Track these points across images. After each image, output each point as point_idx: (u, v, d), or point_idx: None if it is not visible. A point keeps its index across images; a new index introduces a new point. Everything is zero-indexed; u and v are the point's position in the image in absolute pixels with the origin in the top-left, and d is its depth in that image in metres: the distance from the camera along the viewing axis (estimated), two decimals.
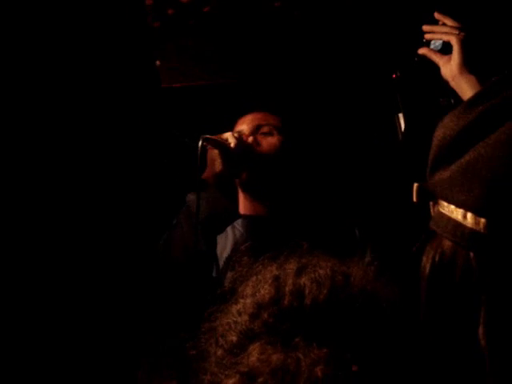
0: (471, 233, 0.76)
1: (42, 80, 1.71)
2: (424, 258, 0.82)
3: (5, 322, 1.72)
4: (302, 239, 1.10)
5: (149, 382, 1.22)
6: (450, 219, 0.79)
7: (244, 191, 1.91)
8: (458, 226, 0.77)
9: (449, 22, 1.64)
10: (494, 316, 0.74)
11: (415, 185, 0.85)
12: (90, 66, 1.77)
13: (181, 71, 2.23)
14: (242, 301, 0.87)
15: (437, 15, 1.67)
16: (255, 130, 1.90)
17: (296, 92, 2.26)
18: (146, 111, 1.59)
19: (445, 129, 0.82)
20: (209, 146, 1.79)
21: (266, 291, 0.85)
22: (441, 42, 1.72)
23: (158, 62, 1.82)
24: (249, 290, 0.88)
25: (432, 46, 1.75)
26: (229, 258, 1.73)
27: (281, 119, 1.94)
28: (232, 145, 1.78)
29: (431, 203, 0.85)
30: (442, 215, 0.80)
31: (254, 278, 0.89)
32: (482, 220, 0.75)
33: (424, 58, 1.79)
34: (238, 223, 1.85)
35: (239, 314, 0.86)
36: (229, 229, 1.82)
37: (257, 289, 0.87)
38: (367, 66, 2.09)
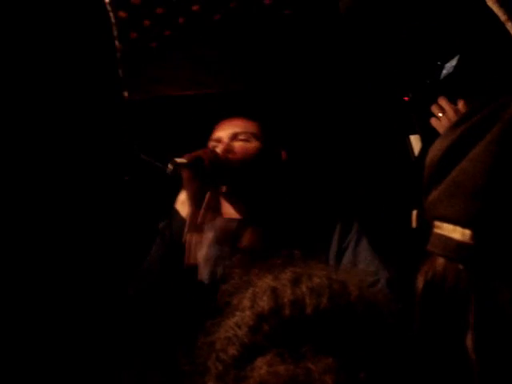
0: (459, 244, 0.78)
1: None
2: (419, 277, 0.84)
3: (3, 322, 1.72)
4: (283, 243, 1.09)
5: None
6: (441, 236, 0.81)
7: (223, 197, 1.91)
8: (447, 240, 0.80)
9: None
10: (481, 322, 0.75)
11: (414, 212, 0.90)
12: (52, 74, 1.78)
13: (191, 79, 2.25)
14: (238, 313, 0.86)
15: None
16: (231, 139, 1.87)
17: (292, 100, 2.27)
18: (107, 128, 1.59)
19: (432, 152, 0.85)
20: (182, 169, 1.75)
21: (264, 303, 0.84)
22: (453, 65, 1.73)
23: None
24: (246, 303, 0.87)
25: (445, 71, 1.76)
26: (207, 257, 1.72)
27: (260, 126, 1.92)
28: (206, 162, 1.75)
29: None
30: (435, 234, 0.83)
31: (250, 291, 0.88)
32: (467, 231, 0.77)
33: (436, 79, 1.79)
34: (215, 225, 1.84)
35: (238, 326, 0.85)
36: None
37: (255, 301, 0.86)
38: (378, 86, 2.09)
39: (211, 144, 1.92)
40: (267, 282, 0.87)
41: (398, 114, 2.01)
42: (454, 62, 1.79)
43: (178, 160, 1.71)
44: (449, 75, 1.77)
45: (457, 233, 0.78)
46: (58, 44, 1.58)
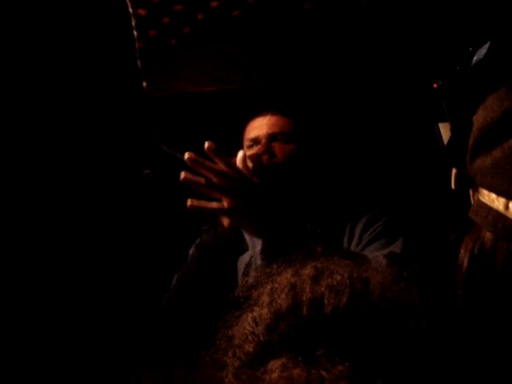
0: (505, 222, 0.70)
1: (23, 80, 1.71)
2: (462, 251, 0.77)
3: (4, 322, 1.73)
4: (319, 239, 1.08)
5: None
6: (490, 209, 0.73)
7: None
8: (499, 216, 0.72)
9: None
10: None
11: (454, 171, 0.81)
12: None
13: (211, 76, 2.25)
14: (257, 309, 0.85)
15: None
16: (270, 140, 1.84)
17: (318, 96, 2.25)
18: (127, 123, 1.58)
19: (487, 111, 0.77)
20: None
21: (282, 300, 0.82)
22: (484, 52, 1.69)
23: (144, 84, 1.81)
24: (265, 299, 0.85)
25: (476, 58, 1.72)
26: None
27: (294, 122, 1.88)
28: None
29: (471, 191, 0.80)
30: (482, 204, 0.75)
31: (269, 286, 0.86)
32: None
33: (466, 66, 1.75)
34: None
35: (256, 323, 0.83)
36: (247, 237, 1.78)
37: (273, 297, 0.84)
38: (407, 74, 2.05)
39: (246, 144, 1.89)
40: (287, 277, 0.85)
41: (428, 101, 1.98)
42: (485, 49, 1.74)
43: None
44: (479, 62, 1.73)
45: (500, 204, 0.70)
46: (78, 42, 1.57)
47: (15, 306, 1.76)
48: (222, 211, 1.43)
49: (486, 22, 1.74)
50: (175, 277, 1.81)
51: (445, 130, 1.93)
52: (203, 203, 1.41)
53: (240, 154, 1.49)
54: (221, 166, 1.42)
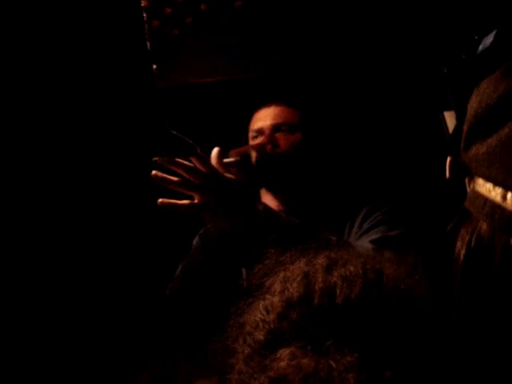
0: (503, 212, 0.68)
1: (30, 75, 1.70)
2: (459, 243, 0.76)
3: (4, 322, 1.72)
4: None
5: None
6: (487, 199, 0.71)
7: (268, 191, 1.91)
8: (496, 207, 0.69)
9: None
10: None
11: (448, 159, 0.80)
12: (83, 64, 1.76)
13: (213, 66, 2.25)
14: (269, 297, 0.85)
15: None
16: (273, 131, 1.86)
17: (321, 86, 2.25)
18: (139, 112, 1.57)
19: (481, 96, 0.74)
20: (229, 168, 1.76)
21: (294, 289, 0.82)
22: (490, 40, 1.68)
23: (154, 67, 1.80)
24: (277, 287, 0.85)
25: (482, 46, 1.71)
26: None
27: (299, 113, 1.90)
28: (252, 159, 1.77)
29: (467, 179, 0.79)
30: (478, 194, 0.73)
31: (282, 274, 0.86)
32: None
33: (472, 54, 1.74)
34: None
35: (267, 311, 0.83)
36: None
37: (285, 286, 0.84)
38: (411, 62, 2.05)
39: (251, 135, 1.92)
40: (300, 266, 0.85)
41: (433, 89, 1.98)
42: (491, 37, 1.73)
43: (226, 160, 1.69)
44: (485, 50, 1.72)
45: (509, 201, 0.67)
46: (91, 33, 1.56)
47: (16, 296, 1.76)
48: (192, 208, 1.44)
49: (492, 10, 1.73)
50: (179, 267, 1.82)
51: (450, 119, 1.94)
52: (174, 201, 1.42)
53: (215, 150, 1.50)
54: (195, 163, 1.43)
